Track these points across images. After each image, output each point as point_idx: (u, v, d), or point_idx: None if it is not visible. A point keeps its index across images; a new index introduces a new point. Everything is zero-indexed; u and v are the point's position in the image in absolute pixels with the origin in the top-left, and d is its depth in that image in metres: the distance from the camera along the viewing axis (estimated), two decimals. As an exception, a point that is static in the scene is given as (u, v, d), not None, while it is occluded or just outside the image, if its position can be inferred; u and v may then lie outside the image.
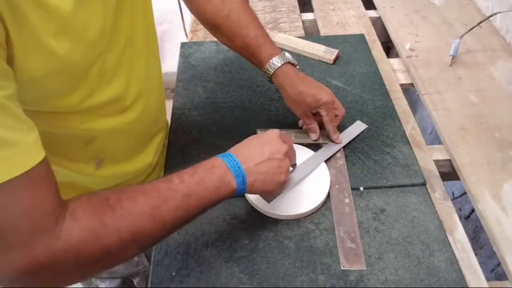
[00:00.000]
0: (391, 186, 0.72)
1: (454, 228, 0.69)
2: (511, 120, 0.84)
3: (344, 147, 0.77)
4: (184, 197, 0.51)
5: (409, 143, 0.78)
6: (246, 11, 0.74)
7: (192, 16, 1.17)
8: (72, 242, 0.43)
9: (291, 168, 0.65)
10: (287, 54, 0.73)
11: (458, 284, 0.59)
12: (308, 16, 1.20)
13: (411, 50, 1.03)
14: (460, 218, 0.72)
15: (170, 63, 1.27)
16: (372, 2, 1.22)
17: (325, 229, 0.66)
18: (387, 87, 0.90)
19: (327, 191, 0.69)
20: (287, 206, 0.67)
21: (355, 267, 0.61)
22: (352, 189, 0.71)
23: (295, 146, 0.76)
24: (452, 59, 0.97)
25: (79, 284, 0.94)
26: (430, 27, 1.09)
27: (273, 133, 0.62)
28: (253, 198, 0.68)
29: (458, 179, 0.77)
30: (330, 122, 0.74)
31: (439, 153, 0.81)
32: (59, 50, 0.46)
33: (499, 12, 1.01)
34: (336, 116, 0.75)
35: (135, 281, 0.95)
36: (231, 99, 0.88)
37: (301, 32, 1.11)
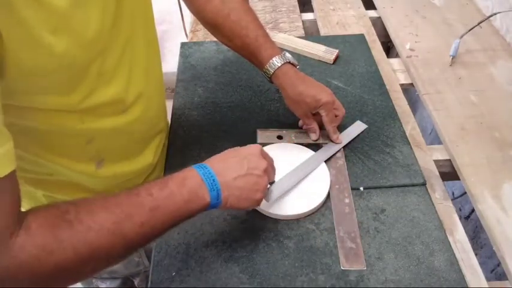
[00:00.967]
0: (391, 186, 0.72)
1: (454, 228, 0.69)
2: (511, 120, 0.84)
3: (344, 147, 0.77)
4: (151, 212, 0.48)
5: (409, 143, 0.78)
6: (246, 11, 0.74)
7: (192, 16, 1.17)
8: (23, 258, 0.41)
9: (268, 185, 0.63)
10: (287, 54, 0.73)
11: (458, 284, 0.59)
12: (308, 16, 1.20)
13: (411, 50, 1.03)
14: (460, 218, 0.72)
15: (170, 63, 1.27)
16: (372, 2, 1.22)
17: (325, 229, 0.66)
18: (387, 87, 0.90)
19: (327, 191, 0.69)
20: (287, 206, 0.67)
21: (355, 267, 0.61)
22: (352, 189, 0.71)
23: (296, 146, 0.76)
24: (452, 59, 0.97)
25: (79, 284, 0.94)
26: (430, 27, 1.09)
27: (254, 148, 0.59)
28: (253, 198, 0.68)
29: (458, 179, 0.77)
30: (330, 122, 0.74)
31: (439, 153, 0.81)
32: (56, 47, 0.46)
33: (499, 12, 1.01)
34: (336, 116, 0.75)
35: (136, 281, 0.95)
36: (231, 99, 0.88)
37: (301, 32, 1.11)
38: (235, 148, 0.59)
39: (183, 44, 1.03)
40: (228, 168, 0.55)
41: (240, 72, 0.94)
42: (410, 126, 0.85)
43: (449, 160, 0.80)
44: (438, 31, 1.08)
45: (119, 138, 0.65)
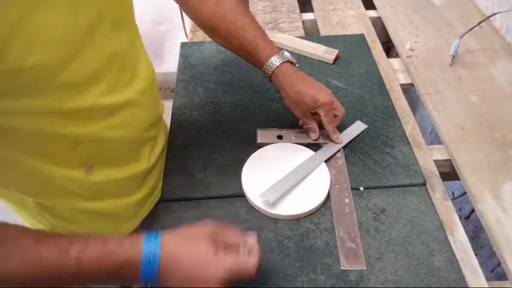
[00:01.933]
0: (391, 186, 0.72)
1: (454, 228, 0.69)
2: (511, 120, 0.84)
3: (344, 147, 0.77)
4: (69, 277, 0.46)
5: (409, 143, 0.78)
6: (243, 12, 0.73)
7: (192, 16, 1.17)
8: None
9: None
10: (286, 53, 0.73)
11: (458, 284, 0.59)
12: (308, 16, 1.20)
13: (411, 50, 1.03)
14: (460, 218, 0.72)
15: (170, 63, 1.27)
16: (372, 2, 1.22)
17: (325, 229, 0.66)
18: (387, 87, 0.90)
19: (327, 191, 0.69)
20: (287, 206, 0.67)
21: (355, 267, 0.61)
22: (352, 189, 0.71)
23: (296, 146, 0.76)
24: (452, 59, 0.97)
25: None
26: (430, 27, 1.09)
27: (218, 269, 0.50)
28: (253, 198, 0.68)
29: (458, 179, 0.77)
30: (329, 122, 0.74)
31: (439, 153, 0.81)
32: (10, 52, 0.43)
33: (499, 12, 1.01)
34: (335, 116, 0.75)
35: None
36: (231, 99, 0.88)
37: (301, 32, 1.11)
38: (200, 251, 0.51)
39: (183, 44, 1.03)
40: (178, 277, 0.49)
41: (240, 72, 0.94)
42: (410, 126, 0.85)
43: (449, 160, 0.80)
44: (438, 31, 1.08)
45: (106, 144, 0.62)
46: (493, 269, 1.08)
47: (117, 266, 0.47)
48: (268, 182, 0.69)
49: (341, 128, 0.79)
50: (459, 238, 0.67)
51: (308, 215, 0.67)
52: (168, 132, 0.82)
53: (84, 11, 0.50)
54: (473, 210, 1.21)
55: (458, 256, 0.64)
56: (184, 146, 0.79)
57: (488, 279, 0.63)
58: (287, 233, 0.65)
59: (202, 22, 0.75)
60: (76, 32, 0.50)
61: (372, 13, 1.19)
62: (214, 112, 0.85)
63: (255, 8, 1.19)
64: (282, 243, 0.64)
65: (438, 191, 0.73)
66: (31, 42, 0.45)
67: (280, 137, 0.78)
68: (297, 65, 0.74)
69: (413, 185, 0.72)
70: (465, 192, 0.75)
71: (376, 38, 1.09)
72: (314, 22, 1.18)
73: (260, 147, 0.76)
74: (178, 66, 0.97)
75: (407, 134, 0.80)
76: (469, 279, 0.62)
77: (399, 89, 0.94)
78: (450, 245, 0.64)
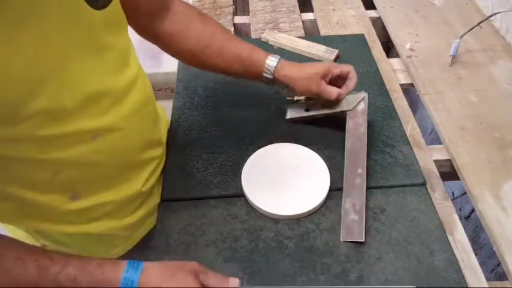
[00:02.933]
0: (391, 186, 0.72)
1: (454, 228, 0.69)
2: (511, 120, 0.84)
3: (343, 146, 0.77)
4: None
5: (409, 143, 0.78)
6: (225, 28, 0.74)
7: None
8: None
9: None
10: (276, 55, 0.74)
11: (458, 284, 0.59)
12: (308, 16, 1.19)
13: (411, 50, 1.03)
14: (460, 218, 0.72)
15: (170, 63, 1.27)
16: (372, 2, 1.22)
17: (325, 229, 0.66)
18: (387, 87, 0.90)
19: (327, 191, 0.69)
20: (287, 206, 0.67)
21: (354, 239, 0.62)
22: (352, 189, 0.71)
23: (295, 146, 0.76)
24: (452, 59, 0.97)
25: None
26: (430, 27, 1.09)
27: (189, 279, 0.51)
28: (253, 198, 0.68)
29: (458, 179, 0.77)
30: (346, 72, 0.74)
31: (439, 153, 0.81)
32: None
33: (499, 12, 1.01)
34: (348, 77, 0.75)
35: None
36: (231, 99, 0.88)
37: (301, 32, 1.11)
38: (176, 271, 0.52)
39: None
40: None
41: (240, 72, 0.94)
42: (410, 126, 0.85)
43: (449, 160, 0.80)
44: (438, 31, 1.08)
45: (91, 169, 0.58)
46: (493, 269, 1.08)
47: (95, 284, 0.49)
48: (268, 182, 0.69)
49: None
50: (459, 238, 0.67)
51: (308, 215, 0.67)
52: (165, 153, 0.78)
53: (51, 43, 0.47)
54: (473, 210, 1.21)
55: (458, 256, 0.64)
56: (184, 146, 0.79)
57: (488, 279, 0.63)
58: (287, 233, 0.65)
59: (189, 47, 0.71)
60: (40, 66, 0.46)
61: (372, 13, 1.19)
62: (214, 112, 0.85)
63: (255, 8, 1.19)
64: (282, 243, 0.64)
65: (438, 191, 0.73)
66: None
67: (307, 110, 0.80)
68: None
69: (413, 185, 0.72)
70: (465, 192, 0.75)
71: (376, 38, 1.09)
72: (314, 22, 1.18)
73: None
74: (178, 66, 0.97)
75: (407, 134, 0.80)
76: (469, 279, 0.62)
77: (399, 89, 0.94)
78: (450, 245, 0.64)
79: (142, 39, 0.71)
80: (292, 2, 1.22)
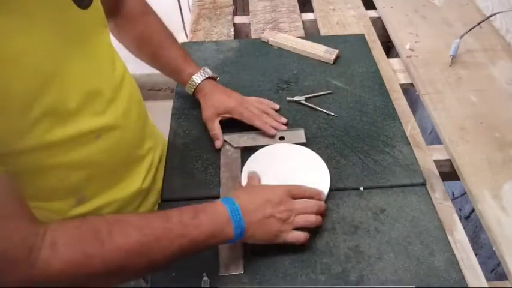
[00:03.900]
0: (391, 186, 0.72)
1: (454, 228, 0.69)
2: (511, 120, 0.84)
3: (343, 146, 0.77)
4: (179, 237, 0.51)
5: (409, 143, 0.78)
6: (167, 34, 0.79)
7: (192, 16, 1.17)
8: (50, 272, 0.43)
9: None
10: (207, 70, 0.79)
11: (458, 284, 0.59)
12: (308, 16, 1.19)
13: (411, 50, 1.03)
14: (460, 218, 0.72)
15: (170, 63, 1.26)
16: (372, 2, 1.22)
17: (325, 229, 0.66)
18: (387, 87, 0.90)
19: (327, 191, 0.69)
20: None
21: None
22: (352, 189, 0.71)
23: (295, 146, 0.76)
24: (452, 59, 0.97)
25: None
26: (430, 27, 1.09)
27: (282, 190, 0.61)
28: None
29: (458, 179, 0.77)
30: (250, 120, 0.76)
31: (439, 153, 0.81)
32: None
33: (499, 12, 1.01)
34: (265, 112, 0.78)
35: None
36: (231, 99, 0.88)
37: (301, 32, 1.11)
38: (265, 186, 0.64)
39: (183, 44, 1.03)
40: (255, 209, 0.57)
41: (240, 72, 0.94)
42: (410, 126, 0.85)
43: (449, 160, 0.80)
44: (438, 31, 1.08)
45: (96, 168, 0.61)
46: (493, 269, 1.08)
47: (211, 219, 0.54)
48: (268, 182, 0.69)
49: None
50: (459, 238, 0.67)
51: (308, 215, 0.67)
52: (165, 144, 0.80)
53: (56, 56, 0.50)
54: (473, 210, 1.21)
55: (458, 256, 0.64)
56: (184, 146, 0.79)
57: (488, 279, 0.63)
58: (287, 233, 0.65)
59: (128, 41, 0.77)
60: (47, 62, 0.49)
61: (372, 13, 1.19)
62: (214, 112, 0.85)
63: (255, 8, 1.20)
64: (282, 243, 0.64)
65: (438, 191, 0.73)
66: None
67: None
68: (218, 79, 0.79)
69: (413, 185, 0.72)
70: (465, 192, 0.75)
71: (376, 38, 1.09)
72: (314, 22, 1.18)
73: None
74: (178, 66, 0.97)
75: (407, 134, 0.80)
76: (469, 279, 0.62)
77: (399, 89, 0.94)
78: (450, 245, 0.64)
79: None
80: (292, 2, 1.22)
